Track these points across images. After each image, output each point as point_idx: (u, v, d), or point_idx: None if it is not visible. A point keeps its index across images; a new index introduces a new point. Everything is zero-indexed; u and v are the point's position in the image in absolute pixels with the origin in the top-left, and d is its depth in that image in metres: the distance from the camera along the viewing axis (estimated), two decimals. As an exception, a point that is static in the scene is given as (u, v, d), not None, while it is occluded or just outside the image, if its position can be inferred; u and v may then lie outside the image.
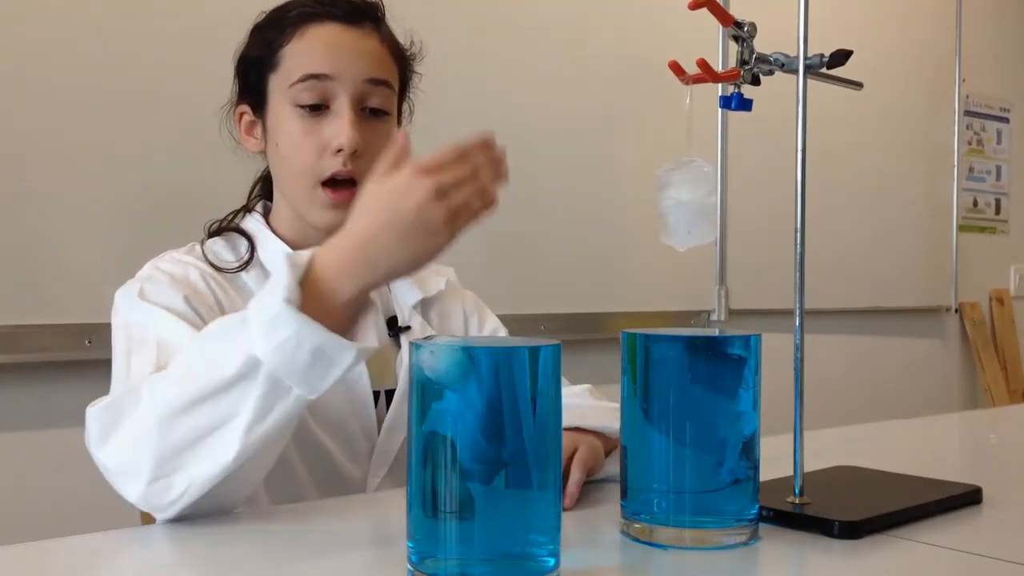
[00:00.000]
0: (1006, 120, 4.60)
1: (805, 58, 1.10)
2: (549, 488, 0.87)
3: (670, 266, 3.13)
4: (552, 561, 0.87)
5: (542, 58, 2.91)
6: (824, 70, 1.11)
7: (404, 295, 1.48)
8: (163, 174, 2.18)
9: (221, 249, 1.38)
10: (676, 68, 1.09)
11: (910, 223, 4.11)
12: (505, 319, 2.77)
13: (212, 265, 1.35)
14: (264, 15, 1.39)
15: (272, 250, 1.37)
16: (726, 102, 1.12)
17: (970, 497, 1.18)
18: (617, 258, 3.11)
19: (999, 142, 4.57)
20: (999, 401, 4.28)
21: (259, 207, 1.44)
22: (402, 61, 1.40)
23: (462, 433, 0.84)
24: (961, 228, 4.31)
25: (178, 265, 1.32)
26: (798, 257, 1.10)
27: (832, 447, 1.52)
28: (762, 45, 1.13)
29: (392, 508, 1.16)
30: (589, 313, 2.99)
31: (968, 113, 4.39)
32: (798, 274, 1.10)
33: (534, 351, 0.85)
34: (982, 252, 4.45)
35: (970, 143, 4.41)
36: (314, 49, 1.30)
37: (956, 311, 4.29)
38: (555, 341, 0.87)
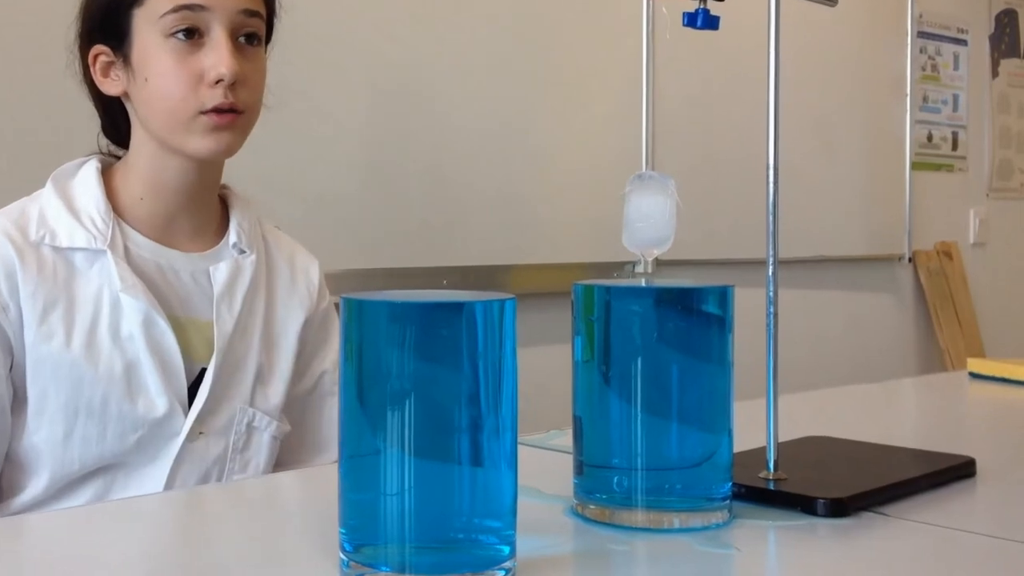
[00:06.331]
0: (964, 43, 4.69)
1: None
2: (504, 464, 0.88)
3: (586, 214, 3.13)
4: (507, 549, 0.88)
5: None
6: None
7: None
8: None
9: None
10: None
11: (857, 160, 4.16)
12: (399, 272, 2.78)
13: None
14: None
15: (86, 202, 1.45)
16: (691, 19, 1.14)
17: (963, 470, 1.22)
18: (526, 205, 3.10)
19: (956, 67, 4.66)
20: (958, 364, 4.27)
21: (97, 159, 1.51)
22: None
23: (403, 401, 0.84)
24: (914, 166, 4.38)
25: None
26: (770, 201, 1.12)
27: (794, 415, 1.55)
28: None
29: (323, 488, 1.17)
30: (493, 266, 2.98)
31: (922, 35, 4.46)
32: (771, 218, 1.13)
33: (486, 305, 0.86)
34: (938, 193, 4.54)
35: (924, 68, 4.49)
36: None
37: (910, 260, 4.38)
38: (509, 295, 0.88)
